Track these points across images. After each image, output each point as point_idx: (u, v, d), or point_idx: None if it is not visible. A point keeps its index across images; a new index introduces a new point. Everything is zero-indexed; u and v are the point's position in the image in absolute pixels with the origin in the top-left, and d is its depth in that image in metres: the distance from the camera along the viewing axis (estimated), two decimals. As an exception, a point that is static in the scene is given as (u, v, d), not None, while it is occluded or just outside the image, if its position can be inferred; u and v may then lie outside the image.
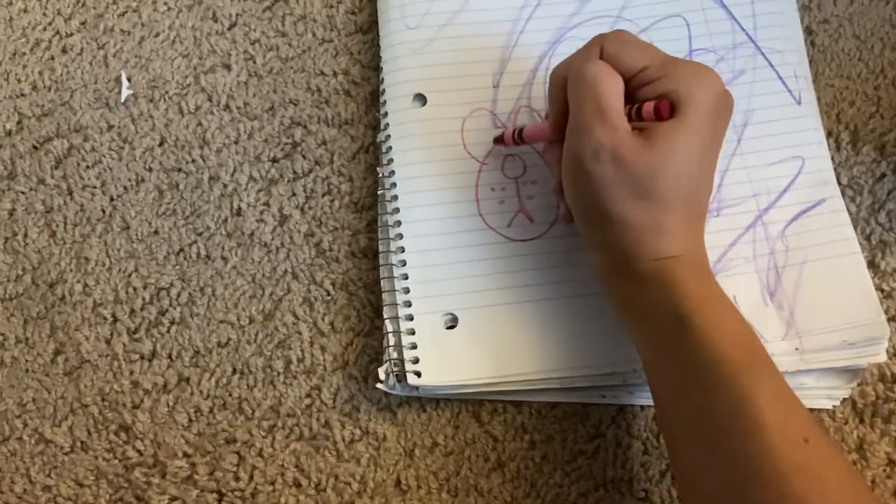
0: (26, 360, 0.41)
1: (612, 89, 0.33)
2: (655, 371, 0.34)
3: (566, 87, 0.35)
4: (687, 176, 0.33)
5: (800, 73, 0.45)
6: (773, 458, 0.28)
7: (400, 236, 0.41)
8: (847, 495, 0.29)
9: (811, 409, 0.39)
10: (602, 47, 0.35)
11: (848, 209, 0.42)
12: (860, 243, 0.41)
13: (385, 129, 0.44)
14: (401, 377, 0.38)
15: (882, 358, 0.39)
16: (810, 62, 0.46)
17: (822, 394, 0.39)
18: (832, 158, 0.43)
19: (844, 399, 0.39)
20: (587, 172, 0.33)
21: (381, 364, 0.39)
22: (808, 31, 0.46)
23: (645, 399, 0.40)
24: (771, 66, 0.45)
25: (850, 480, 0.30)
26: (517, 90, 0.45)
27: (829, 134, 0.44)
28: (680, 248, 0.33)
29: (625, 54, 0.34)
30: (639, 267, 0.33)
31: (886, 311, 0.40)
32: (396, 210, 0.41)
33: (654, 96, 0.34)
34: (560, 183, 0.37)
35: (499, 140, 0.42)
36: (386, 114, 0.44)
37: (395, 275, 0.40)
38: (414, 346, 0.39)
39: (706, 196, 0.35)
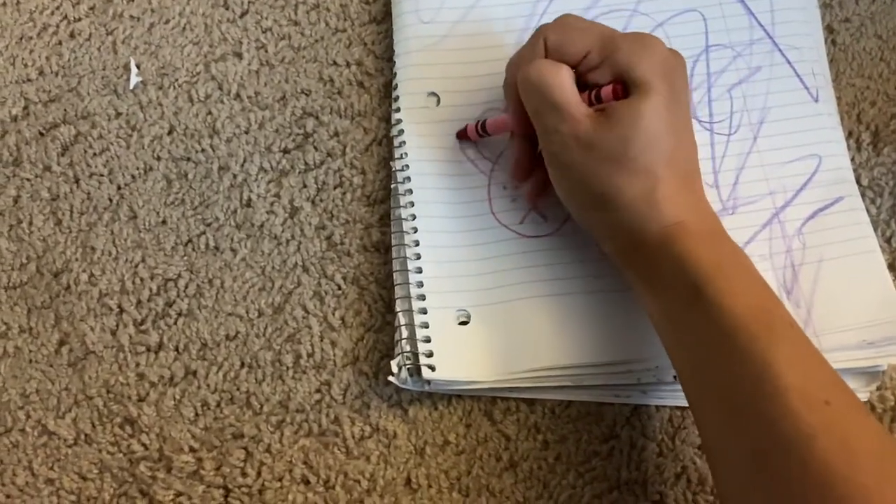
0: (30, 351, 0.40)
1: (559, 82, 0.34)
2: (676, 345, 0.34)
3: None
4: (659, 138, 0.33)
5: (818, 71, 0.44)
6: (794, 422, 0.28)
7: (415, 230, 0.40)
8: (871, 457, 0.28)
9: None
10: (545, 38, 0.36)
11: (868, 211, 0.41)
12: (881, 246, 0.40)
13: (398, 124, 0.43)
14: (413, 371, 0.38)
15: (902, 359, 0.38)
16: (831, 61, 0.45)
17: (839, 397, 0.39)
18: (852, 159, 0.43)
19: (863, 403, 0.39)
20: (565, 165, 0.35)
21: (392, 359, 0.39)
22: (830, 30, 0.46)
23: (658, 399, 0.39)
24: (788, 62, 0.44)
25: (875, 442, 0.29)
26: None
27: (849, 134, 0.44)
28: (681, 212, 0.33)
29: (567, 43, 0.35)
30: (646, 240, 0.34)
31: (907, 314, 0.39)
32: (411, 204, 0.41)
33: (607, 79, 0.35)
34: (515, 167, 0.40)
35: (462, 134, 0.42)
36: (399, 109, 0.43)
37: (408, 269, 0.39)
38: (428, 340, 0.38)
39: (691, 157, 0.36)
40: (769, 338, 0.30)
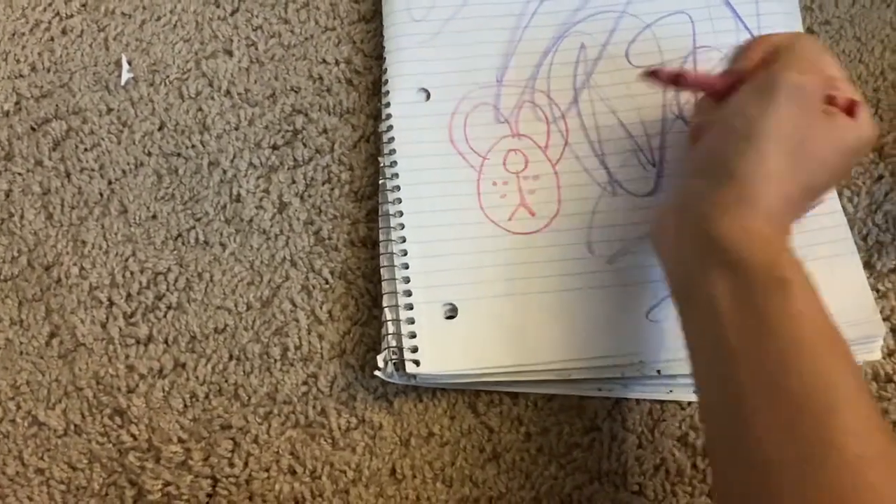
0: (21, 342, 0.41)
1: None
2: (732, 329, 0.31)
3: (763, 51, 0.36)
4: (829, 173, 0.35)
5: (801, 73, 0.45)
6: (852, 441, 0.28)
7: (402, 226, 0.41)
8: None
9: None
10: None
11: (845, 209, 0.42)
12: (857, 244, 0.41)
13: (387, 119, 0.43)
14: (399, 365, 0.38)
15: (877, 356, 0.39)
16: (811, 63, 0.46)
17: (816, 391, 0.39)
18: (831, 158, 0.43)
19: (838, 397, 0.39)
20: (772, 98, 0.33)
21: (378, 353, 0.39)
22: (810, 32, 0.47)
23: (639, 393, 0.40)
24: (773, 65, 0.45)
25: None
26: (520, 86, 0.45)
27: (828, 134, 0.44)
28: (782, 227, 0.34)
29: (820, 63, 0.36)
30: (753, 215, 0.32)
31: (881, 311, 0.40)
32: (398, 200, 0.41)
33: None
34: (697, 129, 0.38)
35: (652, 74, 0.38)
36: (388, 104, 0.44)
37: (395, 264, 0.40)
38: (413, 335, 0.39)
39: (811, 201, 0.36)
40: (846, 360, 0.30)
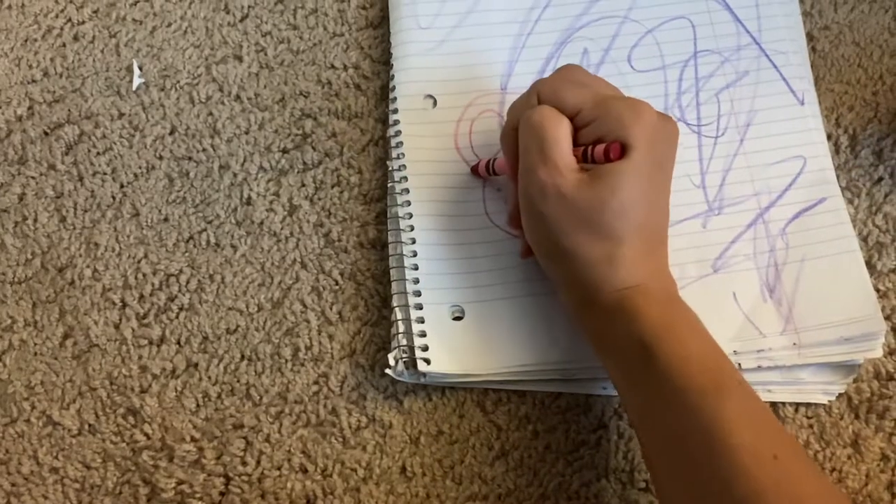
0: (35, 344, 0.41)
1: (557, 132, 0.34)
2: (629, 400, 0.35)
3: (517, 130, 0.36)
4: (635, 208, 0.34)
5: (803, 74, 0.46)
6: (745, 479, 0.29)
7: (411, 228, 0.41)
8: None
9: (807, 404, 0.40)
10: (539, 92, 0.36)
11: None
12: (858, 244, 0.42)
13: (395, 125, 0.44)
14: (409, 364, 0.39)
15: (878, 354, 0.40)
16: (811, 67, 0.46)
17: (818, 389, 0.40)
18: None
19: (840, 394, 0.40)
20: (538, 212, 0.35)
21: (388, 353, 0.40)
22: (809, 37, 0.47)
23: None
24: (775, 67, 0.46)
25: (826, 494, 0.30)
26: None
27: (828, 137, 0.45)
28: (639, 278, 0.34)
29: (560, 97, 0.36)
30: (601, 299, 0.34)
31: (882, 311, 0.41)
32: (407, 203, 0.42)
33: (593, 138, 0.35)
34: (512, 215, 0.39)
35: (474, 170, 0.43)
36: (396, 110, 0.44)
37: (405, 265, 0.41)
38: (423, 334, 0.39)
39: (662, 225, 0.36)
40: (717, 396, 0.31)
